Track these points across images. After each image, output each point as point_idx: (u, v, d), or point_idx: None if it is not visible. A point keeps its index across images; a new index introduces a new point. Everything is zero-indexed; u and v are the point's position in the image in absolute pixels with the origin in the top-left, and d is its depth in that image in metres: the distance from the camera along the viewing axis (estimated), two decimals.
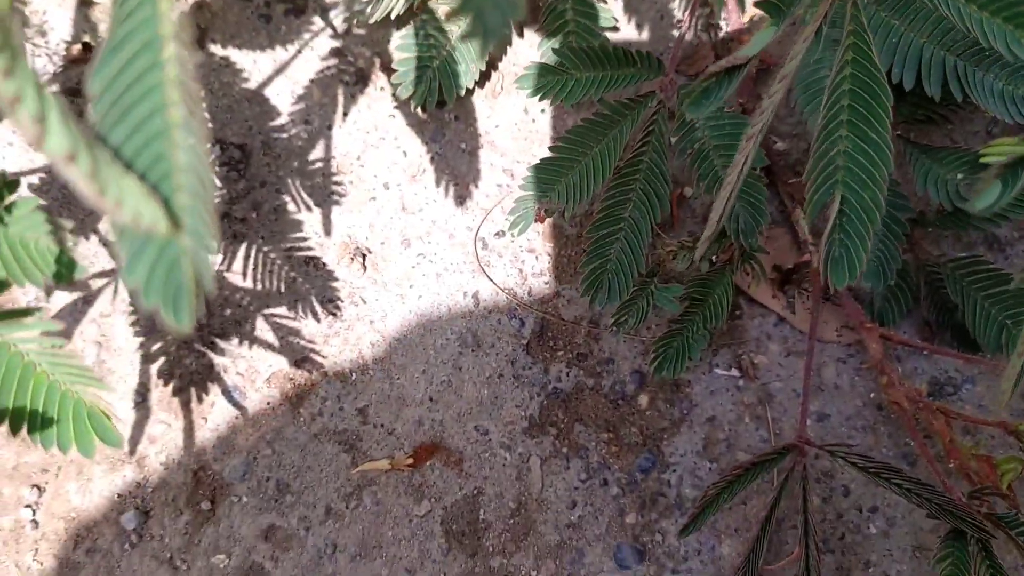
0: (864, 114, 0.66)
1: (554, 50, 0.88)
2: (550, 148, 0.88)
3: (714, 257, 0.90)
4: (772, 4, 0.67)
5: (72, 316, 0.93)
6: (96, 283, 0.95)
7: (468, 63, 0.93)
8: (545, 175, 0.87)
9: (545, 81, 0.87)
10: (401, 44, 0.92)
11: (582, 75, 0.88)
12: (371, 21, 0.88)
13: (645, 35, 1.00)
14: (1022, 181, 0.57)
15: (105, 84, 0.46)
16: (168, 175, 0.46)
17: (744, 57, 0.68)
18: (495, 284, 0.95)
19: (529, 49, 0.99)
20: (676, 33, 0.98)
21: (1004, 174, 0.57)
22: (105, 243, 0.95)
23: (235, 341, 0.95)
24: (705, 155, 0.87)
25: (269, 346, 0.94)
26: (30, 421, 0.57)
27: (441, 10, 0.93)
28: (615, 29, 1.00)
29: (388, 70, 0.97)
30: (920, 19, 0.86)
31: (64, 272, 0.55)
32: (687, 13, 0.98)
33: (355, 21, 0.97)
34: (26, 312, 0.57)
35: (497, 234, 0.96)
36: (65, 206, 0.96)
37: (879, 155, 0.64)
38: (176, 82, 0.47)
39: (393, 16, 0.89)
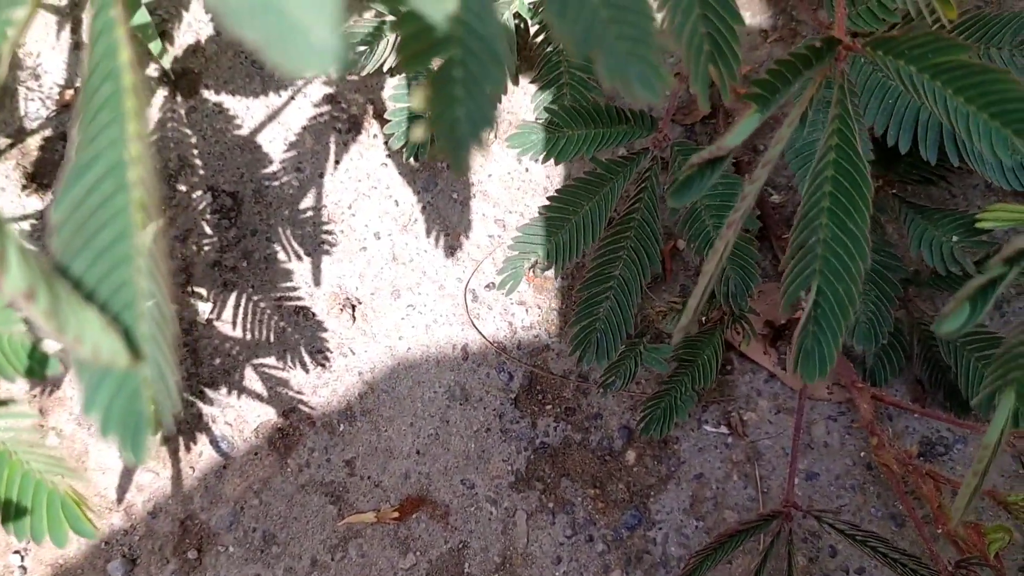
0: (845, 204, 0.65)
1: (546, 108, 0.87)
2: (539, 208, 0.88)
3: (703, 317, 0.90)
4: (758, 95, 0.67)
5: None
6: None
7: None
8: (534, 234, 0.87)
9: (535, 140, 0.86)
10: (395, 94, 0.91)
11: (574, 133, 0.87)
12: (363, 73, 0.88)
13: None
14: (990, 305, 0.56)
15: (68, 211, 0.45)
16: (131, 304, 0.46)
17: (726, 148, 0.67)
18: (484, 337, 0.95)
19: (524, 97, 0.98)
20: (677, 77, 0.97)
21: (974, 297, 0.56)
22: None
23: (224, 391, 0.95)
24: (697, 215, 0.86)
25: (258, 396, 0.94)
26: (4, 510, 0.57)
27: (435, 63, 0.92)
28: None
29: (381, 118, 0.97)
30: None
31: (36, 368, 0.55)
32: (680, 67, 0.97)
33: (349, 70, 0.96)
34: (2, 402, 0.57)
35: (487, 286, 0.96)
36: None
37: (856, 248, 0.64)
38: (141, 205, 0.46)
39: (386, 68, 0.88)
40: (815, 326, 0.64)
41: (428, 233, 0.97)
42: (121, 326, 0.46)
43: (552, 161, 0.87)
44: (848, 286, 0.64)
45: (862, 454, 0.94)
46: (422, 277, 0.96)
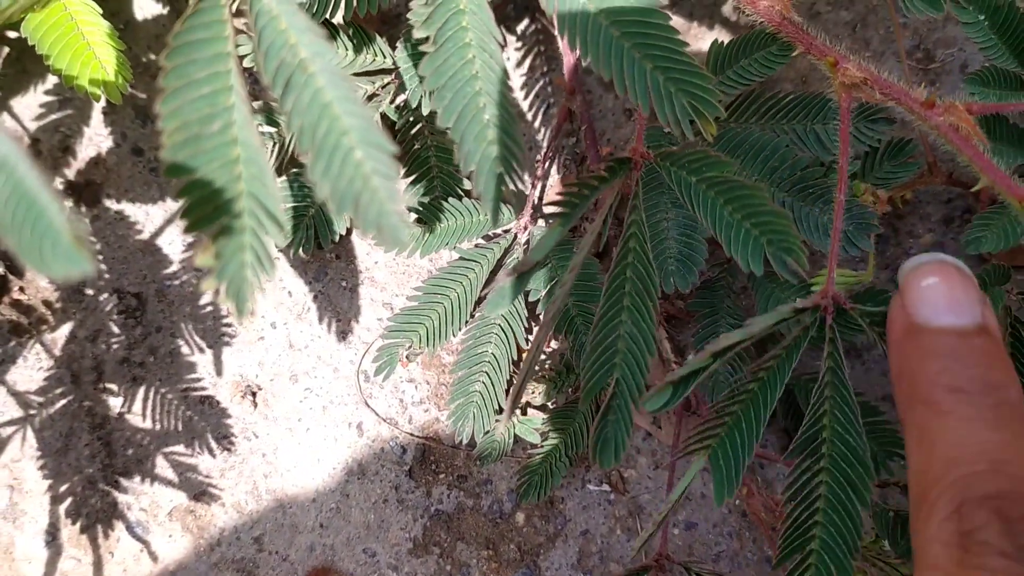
0: (641, 306, 0.73)
1: (416, 205, 0.95)
2: (408, 298, 0.95)
3: (571, 388, 0.97)
4: (559, 213, 0.74)
5: None
6: (5, 431, 1.02)
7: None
8: (406, 322, 0.94)
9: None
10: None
11: (439, 228, 0.95)
12: None
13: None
14: (690, 390, 0.64)
15: None
16: None
17: (531, 261, 0.74)
18: (377, 415, 1.02)
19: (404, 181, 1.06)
20: (543, 161, 1.04)
21: (677, 382, 0.64)
22: (14, 392, 1.02)
23: (137, 479, 1.01)
24: (554, 296, 0.93)
25: (169, 482, 1.01)
26: None
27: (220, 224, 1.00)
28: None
29: None
30: (751, 156, 0.91)
31: None
32: (548, 148, 1.05)
33: None
34: None
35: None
36: None
37: (648, 344, 0.71)
38: None
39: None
40: (613, 414, 0.71)
41: (321, 320, 1.04)
42: None
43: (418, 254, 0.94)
44: (640, 376, 0.71)
45: (737, 502, 1.00)
46: (317, 361, 1.03)
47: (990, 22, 0.87)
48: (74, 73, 0.79)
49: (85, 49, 0.79)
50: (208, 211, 0.56)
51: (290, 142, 0.99)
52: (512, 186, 0.68)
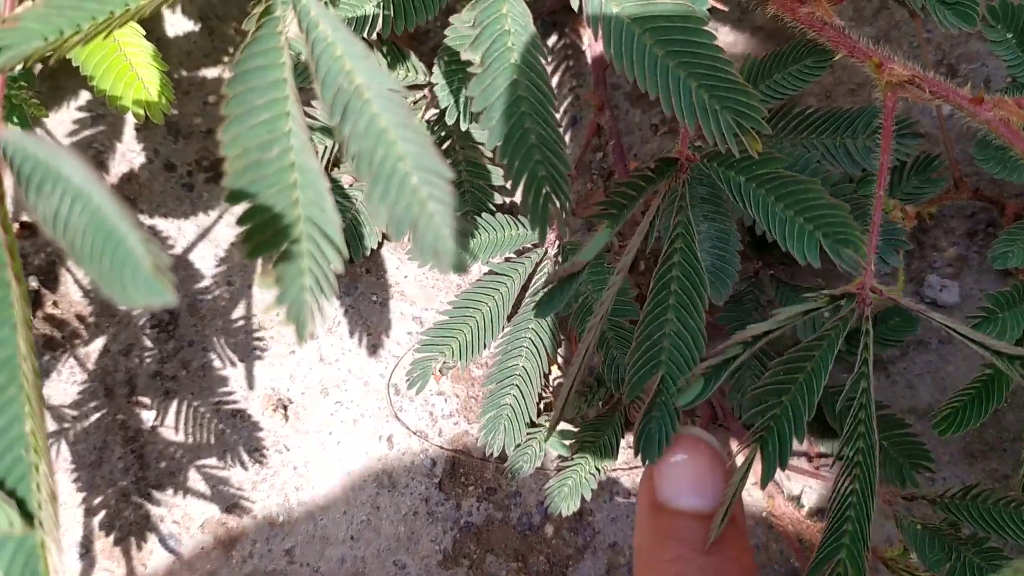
0: (688, 303, 0.74)
1: None
2: (440, 312, 0.96)
3: (601, 401, 0.98)
4: (607, 213, 0.75)
5: None
6: None
7: (372, 225, 1.01)
8: (439, 336, 0.95)
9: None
10: None
11: (471, 243, 0.96)
12: None
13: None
14: (722, 380, 0.65)
15: None
16: (24, 476, 0.54)
17: (580, 263, 0.75)
18: (407, 428, 1.03)
19: None
20: (572, 176, 1.05)
21: (708, 374, 0.65)
22: (48, 406, 1.03)
23: (170, 491, 1.02)
24: (588, 309, 0.94)
25: (201, 495, 1.02)
26: None
27: (345, 179, 1.01)
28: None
29: None
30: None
31: None
32: (578, 163, 1.06)
33: None
34: None
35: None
36: None
37: (696, 342, 0.72)
38: (34, 393, 0.54)
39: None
40: (658, 410, 0.72)
41: (351, 334, 1.05)
42: (17, 498, 0.54)
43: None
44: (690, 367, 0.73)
45: (764, 513, 1.01)
46: (348, 375, 1.04)
47: (1018, 40, 0.88)
48: (118, 94, 0.80)
49: (128, 70, 0.80)
50: (268, 236, 0.57)
51: (322, 154, 1.00)
52: (559, 206, 0.69)
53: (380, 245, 1.05)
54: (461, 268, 0.54)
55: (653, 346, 0.76)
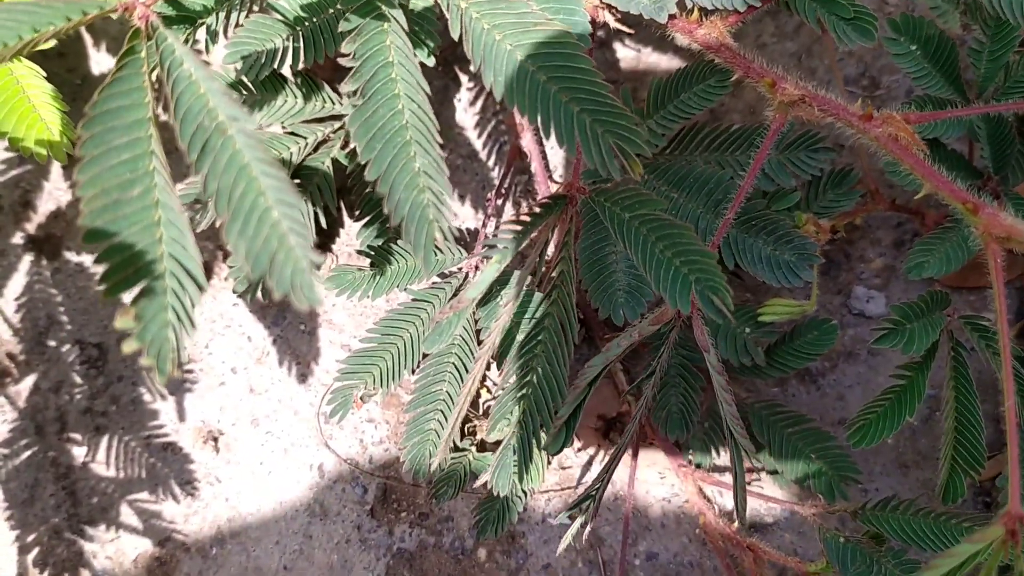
0: (555, 349, 0.75)
1: (369, 248, 0.97)
2: (361, 340, 0.96)
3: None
4: (496, 248, 0.76)
5: None
6: None
7: None
8: (359, 365, 0.95)
9: (351, 280, 0.95)
10: None
11: (389, 270, 0.96)
12: (199, 229, 0.96)
13: (468, 206, 1.08)
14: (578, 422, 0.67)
15: None
16: None
17: (468, 300, 0.76)
18: (337, 456, 1.03)
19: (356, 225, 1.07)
20: (495, 197, 1.06)
21: (566, 424, 0.67)
22: None
23: (102, 527, 1.02)
24: (509, 330, 0.94)
25: (134, 529, 1.02)
26: None
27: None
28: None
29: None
30: (696, 189, 0.93)
31: None
32: (500, 186, 1.06)
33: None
34: None
35: None
36: None
37: (560, 385, 0.73)
38: None
39: (218, 224, 0.97)
40: (511, 449, 0.73)
41: (280, 364, 1.05)
42: None
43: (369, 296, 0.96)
44: (547, 415, 0.74)
45: (696, 531, 1.01)
46: (278, 405, 1.04)
47: (923, 52, 0.89)
48: (20, 135, 0.80)
49: (31, 112, 0.81)
50: (129, 273, 0.57)
51: None
52: (442, 236, 0.70)
53: None
54: (316, 301, 0.55)
55: (520, 380, 0.77)
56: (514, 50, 0.69)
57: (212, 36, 0.83)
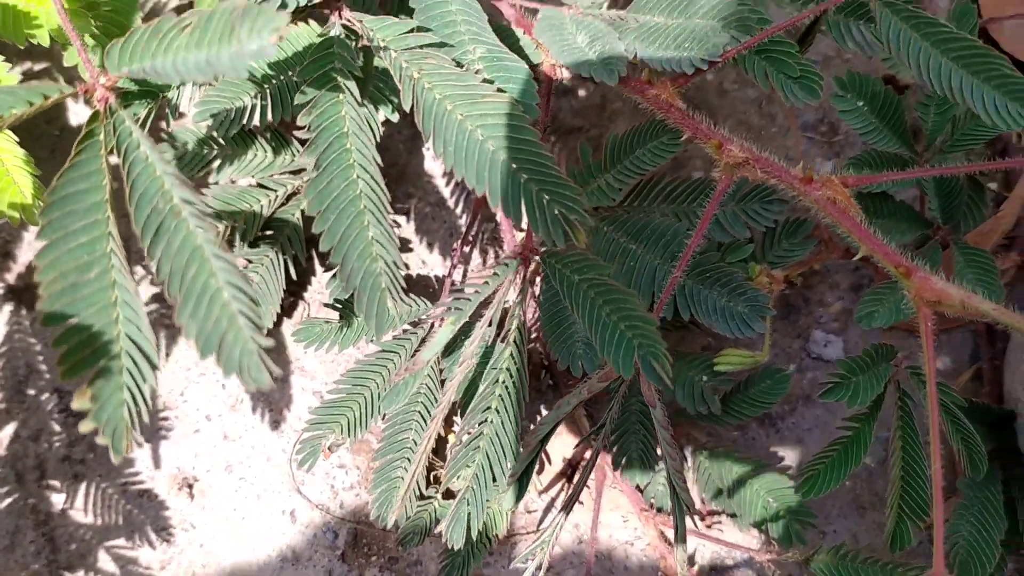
0: (509, 406, 0.78)
1: (333, 302, 0.99)
2: (329, 391, 0.99)
3: None
4: (453, 309, 0.78)
5: None
6: None
7: (268, 305, 1.04)
8: (328, 415, 0.97)
9: (319, 332, 0.98)
10: None
11: (355, 323, 0.99)
12: None
13: (436, 253, 1.11)
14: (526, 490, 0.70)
15: None
16: None
17: (423, 361, 0.78)
18: (309, 501, 1.05)
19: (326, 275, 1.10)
20: (462, 245, 1.08)
21: (519, 480, 0.70)
22: None
23: (80, 573, 1.05)
24: (472, 381, 0.97)
25: (111, 575, 1.04)
26: None
27: (238, 263, 1.04)
28: (409, 250, 1.11)
29: None
30: (652, 241, 0.95)
31: None
32: (467, 234, 1.09)
33: None
34: None
35: None
36: None
37: (512, 441, 0.76)
38: None
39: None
40: (466, 503, 0.76)
41: (254, 411, 1.07)
42: None
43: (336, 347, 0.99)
44: (500, 470, 0.77)
45: (659, 574, 1.03)
46: (251, 451, 1.07)
47: (870, 107, 0.92)
48: None
49: (4, 176, 0.84)
50: (87, 354, 0.60)
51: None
52: (394, 305, 0.72)
53: (279, 323, 1.08)
54: (264, 383, 0.57)
55: (472, 439, 0.81)
56: (464, 120, 0.72)
57: (173, 111, 0.86)
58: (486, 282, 0.80)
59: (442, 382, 0.99)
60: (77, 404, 0.59)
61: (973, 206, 1.00)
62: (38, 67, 1.12)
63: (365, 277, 0.72)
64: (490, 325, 0.83)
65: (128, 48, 0.61)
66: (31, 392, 1.08)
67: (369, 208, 0.73)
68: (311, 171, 0.72)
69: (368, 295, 0.72)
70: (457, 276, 1.09)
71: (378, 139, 0.77)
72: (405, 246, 1.11)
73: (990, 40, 1.09)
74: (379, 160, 0.74)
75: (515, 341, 0.82)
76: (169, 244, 0.60)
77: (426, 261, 1.12)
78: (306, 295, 1.10)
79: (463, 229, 1.11)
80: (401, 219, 1.12)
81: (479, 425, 0.80)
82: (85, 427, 0.59)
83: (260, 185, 1.02)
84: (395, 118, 0.93)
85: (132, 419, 0.60)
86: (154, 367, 0.60)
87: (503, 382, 0.81)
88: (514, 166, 0.70)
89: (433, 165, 1.13)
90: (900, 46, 0.72)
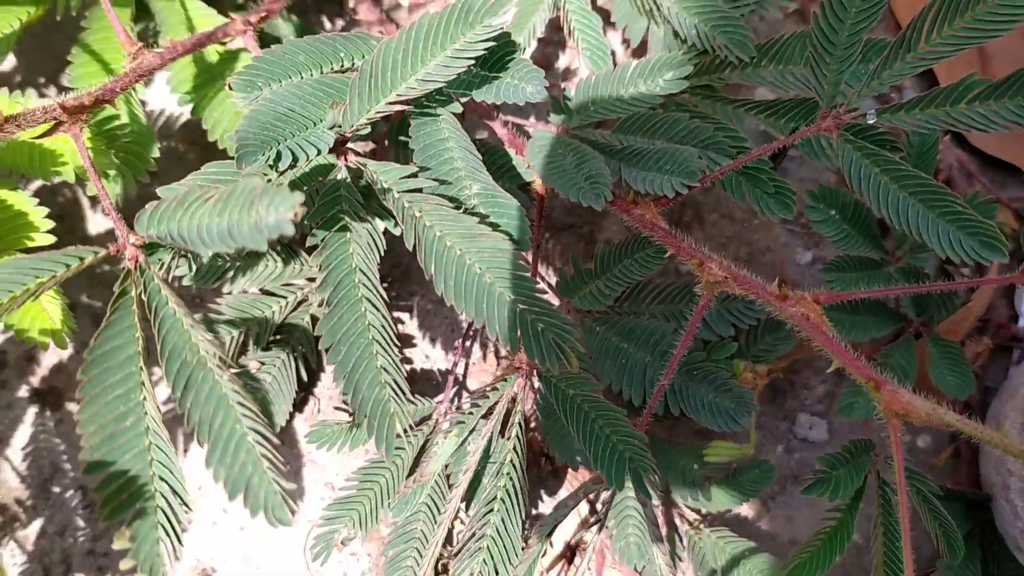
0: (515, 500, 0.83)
1: (342, 404, 1.05)
2: (339, 488, 1.05)
3: None
4: (457, 423, 0.84)
5: None
6: None
7: (280, 403, 1.09)
8: (340, 510, 1.03)
9: (331, 433, 1.04)
10: None
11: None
12: None
13: (439, 348, 1.17)
14: None
15: None
16: None
17: (429, 473, 0.84)
18: None
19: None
20: (464, 339, 1.15)
21: None
22: None
23: None
24: (476, 474, 1.03)
25: None
26: None
27: (252, 365, 1.11)
28: (412, 345, 1.17)
29: None
30: (643, 340, 1.01)
31: None
32: (468, 330, 1.15)
33: None
34: None
35: None
36: None
37: (515, 543, 0.82)
38: None
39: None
40: None
41: None
42: None
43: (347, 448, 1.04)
44: (506, 564, 0.82)
45: None
46: (267, 542, 1.12)
47: (841, 216, 0.98)
48: (25, 327, 0.89)
49: (36, 304, 0.90)
50: (124, 498, 0.65)
51: (229, 344, 1.09)
52: (402, 428, 0.78)
53: (291, 419, 1.14)
54: (287, 522, 0.63)
55: (478, 537, 0.86)
56: (463, 255, 0.78)
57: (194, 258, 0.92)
58: (487, 396, 0.86)
59: (447, 476, 1.05)
60: (118, 544, 0.65)
61: (944, 297, 1.06)
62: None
63: (375, 405, 0.78)
64: (493, 432, 0.89)
65: (156, 216, 0.67)
66: (56, 489, 1.14)
67: (376, 339, 0.79)
68: (323, 307, 0.78)
69: (378, 421, 0.77)
70: (460, 369, 1.15)
71: (382, 252, 0.84)
72: (408, 342, 1.17)
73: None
74: (384, 296, 0.80)
75: (516, 438, 0.88)
76: (198, 394, 0.66)
77: (429, 355, 1.18)
78: (316, 390, 1.16)
79: (464, 325, 1.18)
80: (404, 316, 1.18)
81: (484, 518, 0.85)
82: (125, 565, 0.65)
83: (271, 293, 1.08)
84: (397, 231, 0.99)
85: (167, 554, 0.66)
86: (187, 506, 0.66)
87: (507, 474, 0.87)
88: (511, 297, 0.76)
89: None
90: (860, 179, 0.78)
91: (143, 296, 0.69)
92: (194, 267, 1.01)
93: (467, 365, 1.17)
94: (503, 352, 1.17)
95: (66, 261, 0.69)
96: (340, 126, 0.80)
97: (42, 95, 1.21)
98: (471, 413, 0.86)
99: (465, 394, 1.15)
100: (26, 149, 0.87)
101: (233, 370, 0.67)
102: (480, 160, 0.84)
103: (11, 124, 0.75)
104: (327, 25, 1.27)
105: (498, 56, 0.84)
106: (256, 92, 0.82)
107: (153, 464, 0.67)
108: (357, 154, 0.82)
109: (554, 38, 1.26)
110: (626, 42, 1.10)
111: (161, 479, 0.66)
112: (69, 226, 1.19)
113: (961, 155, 1.20)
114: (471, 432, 1.02)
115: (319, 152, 0.77)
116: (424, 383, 1.16)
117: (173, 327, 0.68)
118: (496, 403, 0.91)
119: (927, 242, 0.75)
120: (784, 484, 1.14)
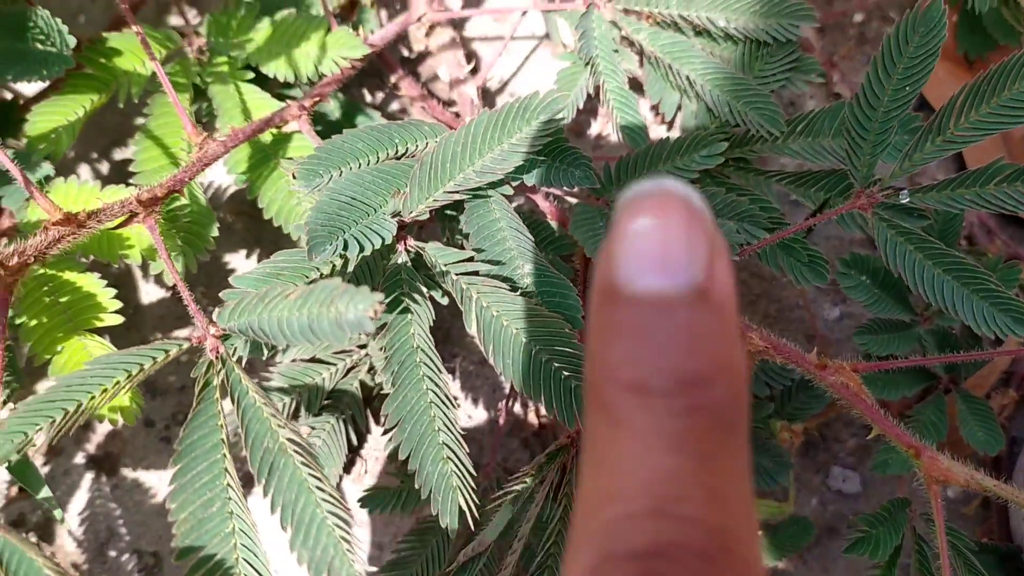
0: None
1: (392, 472, 1.09)
2: (392, 551, 1.08)
3: None
4: (505, 497, 0.88)
5: None
6: None
7: (330, 468, 1.13)
8: (392, 572, 1.06)
9: (383, 499, 1.08)
10: None
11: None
12: None
13: (481, 408, 1.21)
14: None
15: None
16: None
17: (487, 542, 0.88)
18: None
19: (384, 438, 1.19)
20: (509, 403, 1.18)
21: None
22: None
23: None
24: (531, 549, 1.06)
25: None
26: None
27: (303, 431, 1.14)
28: (456, 406, 1.21)
29: None
30: None
31: None
32: (512, 392, 1.19)
33: None
34: None
35: None
36: None
37: None
38: None
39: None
40: None
41: None
42: None
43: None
44: None
45: None
46: None
47: (872, 281, 1.02)
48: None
49: None
50: None
51: (284, 408, 1.13)
52: (465, 502, 0.82)
53: (339, 481, 1.17)
54: None
55: None
56: (519, 333, 0.82)
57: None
58: (539, 470, 0.89)
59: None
60: None
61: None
62: None
63: (439, 479, 0.81)
64: (547, 499, 0.92)
65: (238, 310, 0.72)
66: (112, 553, 1.17)
67: (439, 416, 0.83)
68: (388, 387, 0.82)
69: (442, 495, 0.81)
70: (504, 429, 1.19)
71: (433, 320, 0.88)
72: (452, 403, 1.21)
73: None
74: (441, 367, 0.84)
75: (566, 509, 0.91)
76: (280, 480, 0.70)
77: (472, 416, 1.21)
78: (363, 451, 1.20)
79: (506, 387, 1.21)
80: (448, 378, 1.22)
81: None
82: None
83: (322, 360, 1.12)
84: (444, 301, 1.03)
85: None
86: None
87: (559, 542, 0.90)
88: (565, 374, 0.80)
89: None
90: (896, 256, 0.82)
91: (225, 385, 0.73)
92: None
93: (510, 424, 1.20)
94: (543, 412, 1.20)
95: (153, 355, 0.73)
96: (400, 213, 0.84)
97: (95, 171, 1.26)
98: (524, 482, 0.89)
99: (510, 455, 1.19)
100: (98, 236, 0.91)
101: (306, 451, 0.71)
102: (531, 240, 0.88)
103: (93, 220, 0.80)
104: (368, 98, 1.31)
105: (548, 143, 0.89)
106: (318, 180, 0.86)
107: (237, 547, 0.70)
108: (414, 237, 0.87)
109: (586, 106, 1.31)
110: (655, 109, 1.15)
111: (246, 562, 0.70)
112: (123, 295, 1.23)
113: (981, 213, 1.25)
114: (525, 500, 1.06)
115: (383, 241, 0.81)
116: (469, 443, 1.19)
117: (255, 416, 0.72)
118: (548, 474, 0.95)
119: (962, 318, 0.79)
120: (820, 537, 1.17)
